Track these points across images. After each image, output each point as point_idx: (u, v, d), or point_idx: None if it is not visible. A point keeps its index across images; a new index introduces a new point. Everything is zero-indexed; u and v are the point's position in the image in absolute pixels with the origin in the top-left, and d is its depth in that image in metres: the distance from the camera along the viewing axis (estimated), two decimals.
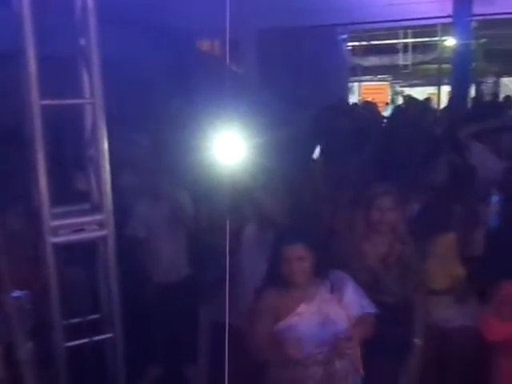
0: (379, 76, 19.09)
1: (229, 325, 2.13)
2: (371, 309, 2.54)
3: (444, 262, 3.19)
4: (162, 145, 4.25)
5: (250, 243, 3.30)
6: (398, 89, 19.55)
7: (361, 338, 2.49)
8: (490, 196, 3.76)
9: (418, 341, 2.99)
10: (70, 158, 3.23)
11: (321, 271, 2.51)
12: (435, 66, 16.24)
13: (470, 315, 3.15)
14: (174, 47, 8.02)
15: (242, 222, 3.36)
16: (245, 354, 2.80)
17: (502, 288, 2.77)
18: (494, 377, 2.79)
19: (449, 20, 11.36)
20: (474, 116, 6.93)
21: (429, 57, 17.23)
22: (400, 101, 11.77)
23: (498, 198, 3.74)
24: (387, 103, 17.11)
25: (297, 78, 10.15)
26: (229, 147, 2.04)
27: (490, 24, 14.17)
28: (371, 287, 2.89)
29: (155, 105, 6.09)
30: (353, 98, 16.20)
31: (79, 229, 2.52)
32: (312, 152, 5.14)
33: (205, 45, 11.27)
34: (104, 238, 2.57)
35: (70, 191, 3.20)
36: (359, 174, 3.96)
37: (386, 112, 9.95)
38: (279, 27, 10.49)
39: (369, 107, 9.63)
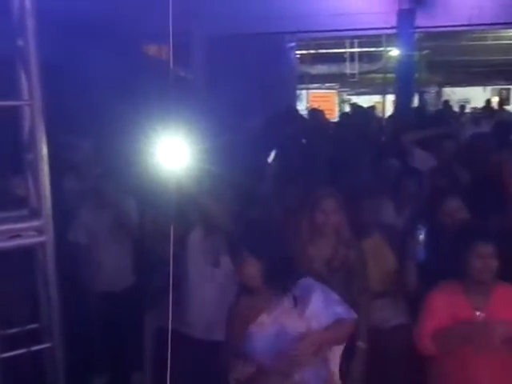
0: (327, 84, 19.41)
1: (174, 330, 2.10)
2: (346, 314, 2.42)
3: (378, 264, 3.25)
4: (106, 149, 4.17)
5: (195, 249, 3.27)
6: (346, 97, 19.94)
7: (337, 344, 2.45)
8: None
9: (361, 343, 3.02)
10: (7, 161, 3.12)
11: (274, 277, 2.42)
12: (381, 75, 16.65)
13: (405, 313, 3.26)
14: (119, 50, 7.91)
15: (188, 228, 3.33)
16: (192, 359, 2.77)
17: (427, 299, 2.77)
18: (431, 372, 2.84)
19: (393, 31, 11.69)
20: (416, 124, 7.15)
21: (374, 66, 17.63)
22: (347, 108, 12.00)
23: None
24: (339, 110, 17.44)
25: (245, 84, 10.19)
26: (174, 152, 2.02)
27: (432, 36, 14.66)
28: None
29: (99, 108, 5.99)
30: (301, 106, 16.40)
31: (16, 235, 2.42)
32: (260, 158, 5.16)
33: (152, 49, 11.17)
34: (42, 245, 2.47)
35: (6, 196, 3.09)
36: (307, 179, 4.01)
37: (334, 119, 10.13)
38: (229, 34, 10.52)
39: (315, 114, 9.80)
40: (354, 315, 2.44)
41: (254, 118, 7.12)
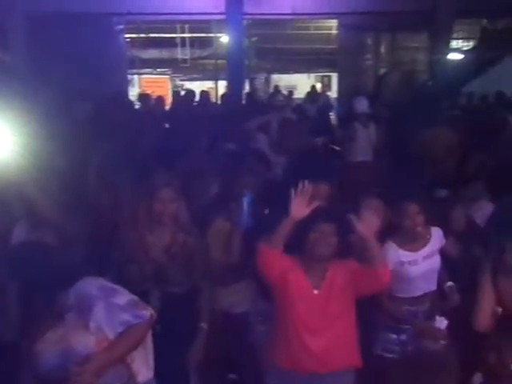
0: (159, 69, 19.12)
1: None
2: (135, 319, 2.21)
3: (223, 250, 3.26)
4: None
5: None
6: (179, 82, 19.82)
7: (133, 350, 2.28)
8: None
9: (203, 325, 3.02)
10: None
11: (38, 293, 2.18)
12: (212, 61, 16.81)
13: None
14: None
15: (12, 221, 3.07)
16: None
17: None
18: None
19: (222, 17, 11.83)
20: (251, 110, 7.36)
21: (205, 52, 17.75)
22: (180, 94, 11.93)
23: None
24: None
25: (71, 68, 9.60)
26: None
27: (260, 23, 15.12)
28: (158, 279, 2.90)
29: None
30: (133, 91, 15.97)
31: None
32: (89, 146, 4.88)
33: None
34: None
35: None
36: (136, 166, 3.88)
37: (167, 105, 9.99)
38: (50, 13, 9.84)
39: (144, 99, 9.66)
40: (145, 315, 2.24)
41: (82, 103, 6.74)
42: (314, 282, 2.68)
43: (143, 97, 10.42)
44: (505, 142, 6.74)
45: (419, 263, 3.15)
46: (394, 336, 3.17)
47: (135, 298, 2.29)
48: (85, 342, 2.13)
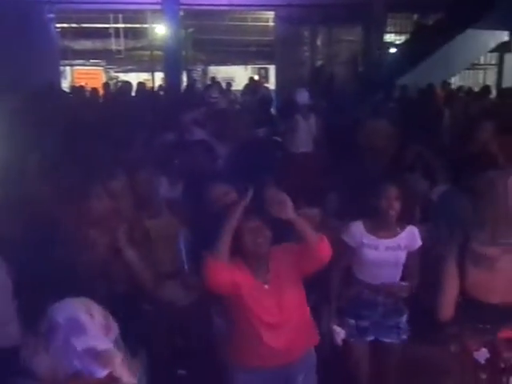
0: (92, 60, 18.56)
1: None
2: (87, 372, 1.81)
3: (169, 244, 3.19)
4: None
5: None
6: (113, 74, 19.31)
7: None
8: None
9: (147, 306, 3.02)
10: None
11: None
12: (147, 52, 16.50)
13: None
14: None
15: None
16: None
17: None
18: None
19: (158, 7, 11.60)
20: (188, 102, 7.25)
21: (140, 43, 17.41)
22: (111, 86, 11.61)
23: None
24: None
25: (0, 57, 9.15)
26: None
27: (196, 14, 14.96)
28: (104, 277, 2.81)
29: None
30: (65, 83, 15.44)
31: None
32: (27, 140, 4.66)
33: None
34: None
35: None
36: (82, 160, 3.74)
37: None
38: None
39: (78, 91, 9.38)
40: (98, 373, 1.81)
41: (9, 95, 6.44)
42: (261, 277, 2.65)
43: (77, 89, 10.10)
44: (440, 133, 6.99)
45: (379, 250, 3.13)
46: (353, 321, 3.19)
47: (105, 348, 1.85)
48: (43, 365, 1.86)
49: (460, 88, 11.90)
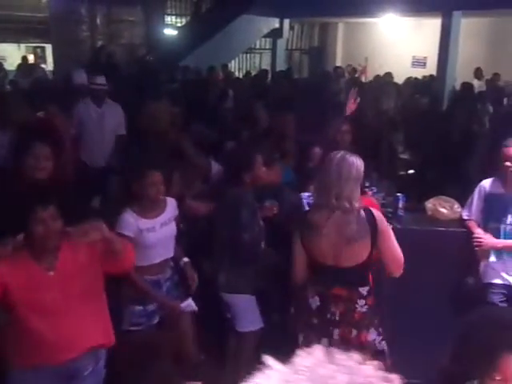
0: None
1: None
2: None
3: None
4: None
5: None
6: None
7: None
8: None
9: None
10: None
11: None
12: None
13: None
14: None
15: None
16: None
17: None
18: None
19: None
20: None
21: None
22: None
23: None
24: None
25: None
26: None
27: None
28: None
29: None
30: None
31: None
32: None
33: None
34: None
35: None
36: None
37: None
38: None
39: None
40: None
41: None
42: (46, 265, 2.51)
43: None
44: (224, 114, 7.27)
45: (157, 230, 3.21)
46: (141, 307, 3.18)
47: None
48: None
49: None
